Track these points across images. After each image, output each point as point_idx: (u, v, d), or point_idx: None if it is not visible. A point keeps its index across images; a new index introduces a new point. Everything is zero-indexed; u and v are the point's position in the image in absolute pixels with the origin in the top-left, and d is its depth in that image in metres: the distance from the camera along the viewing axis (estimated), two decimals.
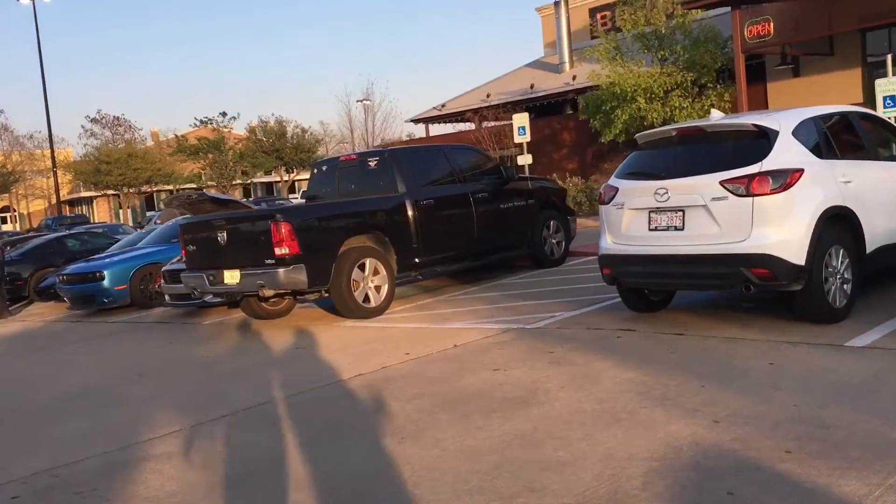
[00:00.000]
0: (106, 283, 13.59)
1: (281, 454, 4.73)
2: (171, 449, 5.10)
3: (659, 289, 7.38)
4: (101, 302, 13.69)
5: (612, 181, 7.13)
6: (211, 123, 30.40)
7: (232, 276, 9.47)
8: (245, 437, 5.15)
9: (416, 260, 10.18)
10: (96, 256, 15.01)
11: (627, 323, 7.25)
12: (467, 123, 31.99)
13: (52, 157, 43.17)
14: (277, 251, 8.97)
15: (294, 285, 9.08)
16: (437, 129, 33.03)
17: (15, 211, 77.26)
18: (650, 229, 6.66)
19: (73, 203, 74.12)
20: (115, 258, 14.27)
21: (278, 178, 54.69)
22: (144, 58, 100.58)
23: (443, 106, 30.91)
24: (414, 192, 10.28)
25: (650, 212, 6.65)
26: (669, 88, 18.07)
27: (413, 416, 5.19)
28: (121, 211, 59.43)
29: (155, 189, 50.57)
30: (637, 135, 7.34)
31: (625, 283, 7.13)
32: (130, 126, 52.40)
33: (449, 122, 31.93)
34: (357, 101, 39.62)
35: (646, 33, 18.56)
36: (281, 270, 8.93)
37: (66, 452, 5.27)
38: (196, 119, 28.67)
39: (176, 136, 30.93)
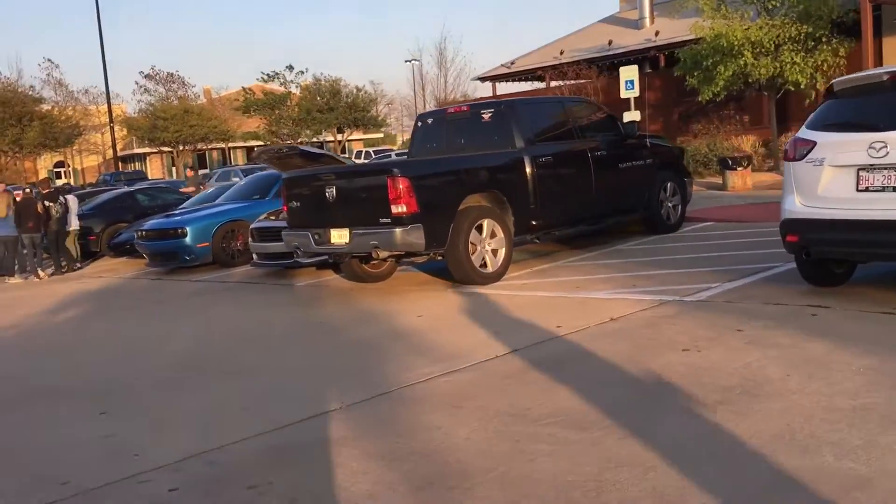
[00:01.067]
0: (188, 239, 13.04)
1: (477, 447, 3.99)
2: (340, 433, 4.38)
3: (865, 261, 6.45)
4: (183, 259, 13.17)
5: (806, 133, 6.17)
6: (277, 78, 29.24)
7: (340, 236, 8.76)
8: (425, 421, 4.41)
9: (534, 222, 9.36)
10: (176, 212, 14.45)
11: (812, 298, 6.34)
12: (536, 82, 30.86)
13: (109, 112, 42.93)
14: (394, 209, 8.20)
15: (410, 247, 8.33)
16: (505, 88, 31.86)
17: (69, 166, 78.12)
18: (858, 190, 5.72)
19: (125, 160, 74.35)
20: (197, 214, 13.70)
21: (330, 138, 54.06)
22: (195, 13, 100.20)
23: (512, 63, 29.73)
24: (532, 147, 9.42)
25: (859, 170, 5.70)
26: (780, 42, 16.74)
27: (620, 407, 4.40)
28: (174, 168, 59.52)
29: (209, 147, 50.27)
30: (834, 80, 6.35)
31: (818, 253, 6.20)
32: (184, 82, 52.11)
33: (518, 80, 30.73)
34: (406, 62, 37.86)
35: None
36: (397, 230, 8.18)
37: (211, 433, 4.60)
38: (263, 73, 27.68)
39: (243, 89, 29.91)
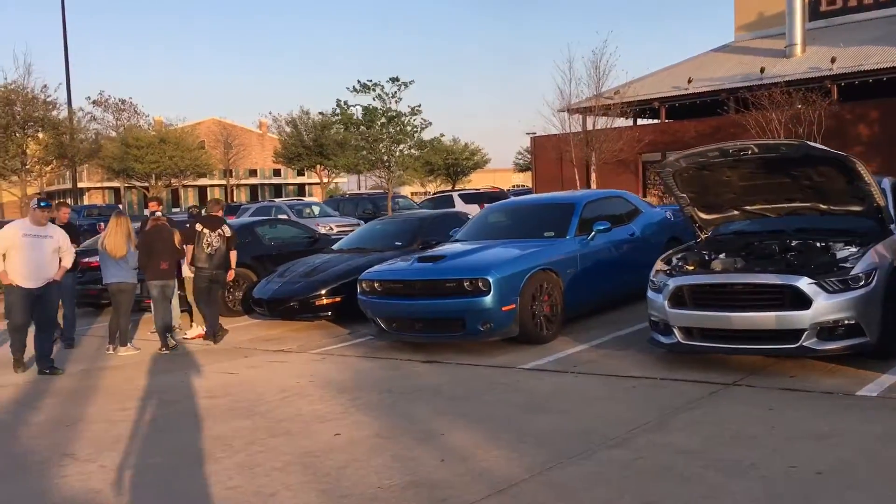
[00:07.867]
0: (489, 298, 7.74)
1: None
2: None
3: None
4: (473, 330, 7.88)
5: None
6: (377, 88, 23.09)
7: None
8: None
9: None
10: (442, 252, 8.98)
11: None
12: (625, 118, 26.57)
13: (71, 136, 35.72)
14: None
15: None
16: (598, 124, 27.20)
17: None
18: None
19: (51, 195, 65.19)
20: (489, 257, 8.36)
21: (316, 180, 48.44)
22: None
23: (616, 93, 25.31)
24: None
25: None
26: None
27: None
28: (124, 205, 52.03)
29: (184, 184, 43.69)
30: None
31: None
32: (136, 111, 44.97)
33: (614, 114, 26.05)
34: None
35: None
36: None
37: None
38: (358, 82, 21.74)
39: (338, 101, 23.92)
